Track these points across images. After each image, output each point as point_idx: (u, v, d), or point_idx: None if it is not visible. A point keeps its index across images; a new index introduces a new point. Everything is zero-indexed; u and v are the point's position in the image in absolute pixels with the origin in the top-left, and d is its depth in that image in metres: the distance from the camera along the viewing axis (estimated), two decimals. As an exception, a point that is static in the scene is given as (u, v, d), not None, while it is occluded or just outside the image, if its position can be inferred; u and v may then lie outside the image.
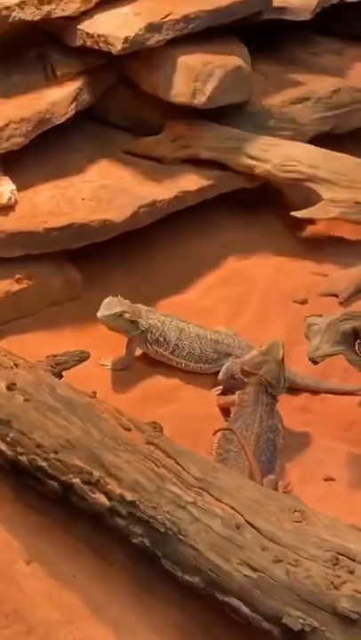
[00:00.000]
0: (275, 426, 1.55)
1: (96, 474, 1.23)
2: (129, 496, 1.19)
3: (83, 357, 1.65)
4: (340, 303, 1.74)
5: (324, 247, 1.86)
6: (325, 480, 1.49)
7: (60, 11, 1.65)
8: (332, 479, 1.48)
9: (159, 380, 1.73)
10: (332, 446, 1.57)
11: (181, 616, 1.24)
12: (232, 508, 1.15)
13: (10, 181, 1.82)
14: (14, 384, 1.39)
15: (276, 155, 1.78)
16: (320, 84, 1.94)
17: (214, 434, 1.59)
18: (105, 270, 1.84)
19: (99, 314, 1.67)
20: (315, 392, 1.69)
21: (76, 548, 1.33)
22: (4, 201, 1.78)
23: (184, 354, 1.75)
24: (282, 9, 1.87)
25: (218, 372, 1.74)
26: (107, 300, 1.68)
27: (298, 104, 1.89)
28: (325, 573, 1.02)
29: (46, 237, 1.82)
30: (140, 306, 1.74)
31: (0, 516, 1.40)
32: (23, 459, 1.31)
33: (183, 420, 1.59)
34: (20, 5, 1.70)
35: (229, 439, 1.48)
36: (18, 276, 1.84)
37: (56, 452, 1.28)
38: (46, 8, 1.68)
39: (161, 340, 1.74)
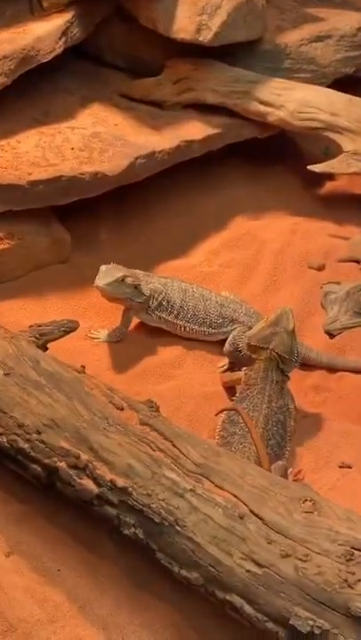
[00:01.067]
0: (285, 406, 1.53)
1: (84, 457, 1.24)
2: (121, 482, 1.19)
3: (71, 327, 1.65)
4: None
5: (345, 207, 1.82)
6: (341, 467, 1.49)
7: None
8: (348, 466, 1.48)
9: (158, 353, 1.74)
10: (350, 429, 1.57)
11: (179, 615, 1.25)
12: (235, 496, 1.14)
13: None
14: None
15: (291, 100, 1.74)
16: (343, 20, 1.90)
17: (217, 414, 1.58)
18: (96, 230, 1.84)
19: (98, 282, 1.66)
20: (330, 369, 1.66)
21: (61, 539, 1.33)
22: None
23: (188, 316, 1.75)
24: None
25: (222, 341, 1.74)
26: (103, 268, 1.68)
27: (317, 42, 1.86)
28: (338, 570, 1.01)
29: (30, 191, 1.81)
30: (136, 271, 1.73)
31: None
32: (3, 440, 1.31)
33: (183, 399, 1.57)
34: None
35: (234, 421, 1.48)
36: None
37: (39, 433, 1.28)
38: None
39: (164, 303, 1.74)
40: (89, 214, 1.79)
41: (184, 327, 1.73)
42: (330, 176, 1.84)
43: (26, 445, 1.27)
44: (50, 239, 1.83)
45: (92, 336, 1.77)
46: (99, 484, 1.20)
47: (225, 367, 1.74)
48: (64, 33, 1.79)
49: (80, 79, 1.87)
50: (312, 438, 1.57)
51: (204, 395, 1.63)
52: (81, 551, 1.31)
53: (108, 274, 1.60)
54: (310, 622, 1.00)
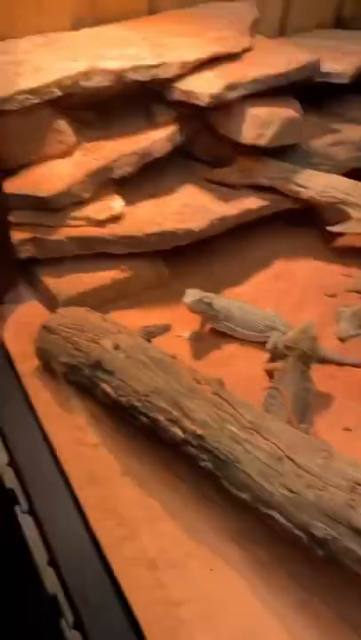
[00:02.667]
0: (308, 387, 1.50)
1: (175, 414, 1.25)
2: (199, 431, 1.21)
3: (166, 329, 1.73)
4: None
5: (352, 255, 1.86)
6: (344, 430, 1.45)
7: (162, 73, 1.64)
8: (349, 429, 1.44)
9: (222, 348, 1.68)
10: (351, 405, 1.52)
11: (235, 524, 1.21)
12: (275, 444, 1.14)
13: (120, 199, 1.77)
14: (118, 345, 1.39)
15: (317, 183, 1.80)
16: (353, 132, 1.92)
17: (264, 390, 1.51)
18: (185, 266, 1.80)
19: (185, 300, 1.65)
20: (340, 364, 1.61)
21: (158, 466, 1.32)
22: (116, 213, 1.73)
23: (243, 324, 1.68)
24: (328, 74, 1.83)
25: (264, 342, 1.67)
26: (189, 291, 1.64)
27: (336, 146, 1.88)
28: (345, 497, 1.02)
29: (145, 240, 1.79)
30: (210, 294, 1.67)
31: (102, 440, 1.38)
32: (123, 400, 1.33)
33: (239, 379, 1.51)
34: (134, 69, 1.62)
35: (273, 395, 1.43)
36: (122, 267, 1.79)
37: (147, 396, 1.29)
38: (153, 71, 1.64)
39: (228, 316, 1.69)
40: (181, 255, 1.79)
41: (241, 332, 1.68)
42: (341, 234, 1.86)
43: (138, 404, 1.29)
44: (155, 271, 1.82)
45: (181, 335, 1.73)
46: (184, 432, 1.23)
47: (267, 360, 1.65)
48: (170, 138, 1.80)
49: (179, 169, 1.88)
50: (324, 410, 1.51)
51: (253, 377, 1.58)
52: (171, 476, 1.29)
53: (191, 295, 1.58)
54: (325, 531, 1.01)
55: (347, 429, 1.41)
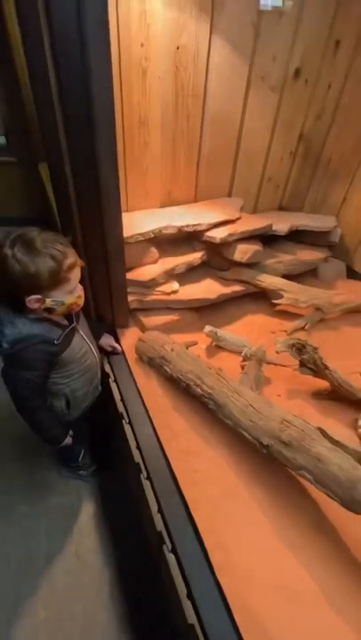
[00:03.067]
0: (260, 374, 1.38)
1: (198, 382, 1.22)
2: (209, 390, 1.18)
3: (195, 343, 1.59)
4: (289, 334, 1.67)
5: (283, 314, 1.81)
6: (277, 395, 1.35)
7: (199, 228, 1.63)
8: (279, 395, 1.36)
9: (220, 354, 1.55)
10: (280, 384, 1.38)
11: (225, 437, 1.16)
12: (245, 399, 1.10)
13: (177, 283, 1.67)
14: (173, 349, 1.34)
15: (268, 281, 1.76)
16: (286, 257, 1.88)
17: (240, 374, 1.39)
18: (206, 315, 1.71)
19: (205, 330, 1.52)
20: (276, 364, 1.49)
21: (189, 405, 1.27)
22: (175, 289, 1.65)
23: (231, 343, 1.55)
24: (275, 230, 1.81)
25: (240, 352, 1.50)
26: (207, 326, 1.53)
27: (277, 263, 1.84)
28: (278, 425, 0.99)
29: (187, 302, 1.65)
30: (217, 328, 1.55)
31: (163, 392, 1.31)
32: (174, 375, 1.29)
33: (228, 369, 1.24)
34: (187, 226, 1.60)
35: (244, 377, 1.33)
36: (176, 314, 1.66)
37: (186, 373, 1.25)
38: (195, 227, 1.62)
39: (227, 338, 1.55)
40: (204, 310, 1.75)
41: (230, 347, 1.55)
42: (278, 304, 1.80)
43: (181, 377, 1.26)
44: (191, 317, 1.71)
45: (201, 347, 1.55)
46: (202, 390, 1.20)
47: (241, 360, 1.50)
48: (201, 257, 1.71)
49: (204, 271, 1.82)
50: (267, 385, 1.42)
51: (235, 368, 1.48)
52: (195, 411, 1.24)
53: (207, 328, 1.48)
54: (267, 441, 0.97)
55: (278, 395, 1.35)
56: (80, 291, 0.95)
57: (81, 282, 1.32)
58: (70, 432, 1.18)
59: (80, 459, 1.48)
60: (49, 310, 0.91)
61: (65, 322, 1.01)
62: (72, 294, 0.91)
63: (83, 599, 1.24)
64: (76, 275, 0.90)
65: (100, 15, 0.76)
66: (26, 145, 2.99)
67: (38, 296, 0.86)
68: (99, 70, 0.83)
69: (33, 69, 0.87)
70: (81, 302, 0.97)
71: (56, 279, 0.85)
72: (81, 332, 1.07)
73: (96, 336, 1.31)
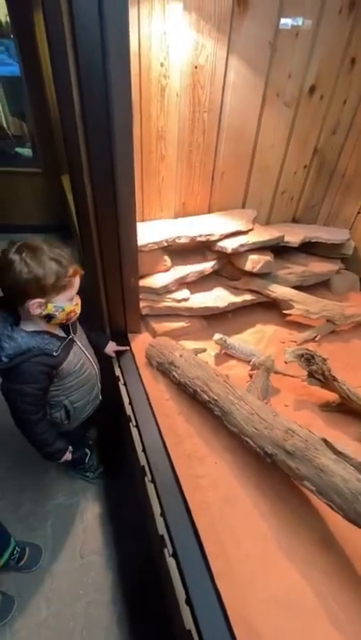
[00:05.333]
0: (268, 383, 1.38)
1: (205, 388, 1.22)
2: (215, 397, 1.18)
3: (204, 350, 1.60)
4: (299, 344, 1.64)
5: (293, 324, 1.78)
6: (284, 406, 1.32)
7: (212, 238, 1.63)
8: (287, 405, 1.35)
9: (228, 362, 1.55)
10: (288, 394, 1.38)
11: (228, 442, 1.17)
12: (250, 407, 1.10)
13: (188, 291, 1.67)
14: (182, 355, 1.36)
15: (279, 291, 1.75)
16: (297, 268, 1.85)
17: (247, 382, 1.42)
18: (216, 323, 1.71)
19: (214, 338, 1.53)
20: (284, 374, 1.47)
21: (195, 411, 1.27)
22: (185, 297, 1.65)
23: (243, 350, 1.54)
24: (287, 242, 1.78)
25: (249, 361, 1.53)
26: (216, 334, 1.54)
27: (289, 274, 1.82)
28: (282, 434, 0.99)
29: (197, 310, 1.64)
30: (226, 336, 1.57)
31: (170, 397, 1.30)
32: (182, 380, 1.30)
33: (236, 377, 1.39)
34: (200, 235, 1.58)
35: (252, 385, 1.33)
36: (186, 321, 1.66)
37: (193, 379, 1.26)
38: (207, 237, 1.61)
39: (236, 346, 1.54)
40: (214, 317, 1.74)
41: (239, 355, 1.54)
42: (289, 315, 1.77)
43: (189, 382, 1.26)
44: (201, 324, 1.71)
45: (210, 354, 1.53)
46: (208, 397, 1.20)
47: (250, 369, 1.51)
48: (213, 266, 1.73)
49: (215, 280, 1.81)
50: (275, 395, 1.41)
51: (243, 376, 1.48)
52: (203, 417, 1.24)
53: (217, 336, 1.49)
54: (272, 450, 0.97)
55: (286, 405, 1.32)
56: (77, 299, 0.96)
57: (96, 288, 1.38)
58: (70, 448, 1.16)
59: (86, 461, 1.50)
60: (49, 317, 0.90)
61: (62, 333, 1.01)
62: (71, 302, 0.92)
63: (85, 599, 1.25)
64: (77, 282, 0.92)
65: (120, 47, 0.82)
66: (50, 157, 3.12)
67: (41, 300, 0.86)
68: (119, 96, 0.89)
69: (59, 90, 0.93)
70: (78, 310, 0.97)
71: (60, 283, 0.86)
72: (79, 344, 1.06)
73: (101, 345, 1.33)
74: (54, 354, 0.93)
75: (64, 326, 1.00)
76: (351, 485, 0.78)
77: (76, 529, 1.43)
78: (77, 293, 0.95)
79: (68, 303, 0.91)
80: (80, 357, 1.06)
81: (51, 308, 0.88)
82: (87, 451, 1.51)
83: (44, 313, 0.89)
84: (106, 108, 0.90)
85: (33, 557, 1.31)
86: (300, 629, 0.76)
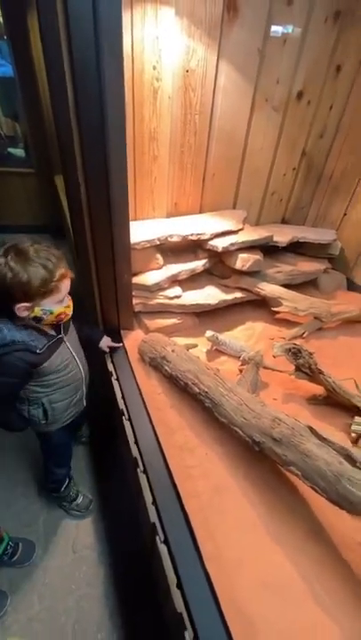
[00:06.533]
0: (257, 378, 1.39)
1: (196, 381, 1.23)
2: (206, 389, 1.19)
3: (195, 346, 1.61)
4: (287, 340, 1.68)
5: (282, 322, 1.81)
6: (273, 399, 1.35)
7: (203, 237, 1.64)
8: (275, 399, 1.37)
9: (220, 357, 1.56)
10: (276, 388, 1.39)
11: (218, 433, 1.18)
12: (240, 398, 1.12)
13: (180, 288, 1.68)
14: (174, 350, 1.36)
15: (268, 289, 1.77)
16: (286, 267, 1.88)
17: (237, 375, 1.42)
18: (207, 320, 1.74)
19: (206, 334, 1.55)
20: (272, 369, 1.47)
21: (186, 404, 1.28)
22: (177, 294, 1.65)
23: (233, 346, 1.55)
24: (276, 241, 1.83)
25: (239, 356, 1.53)
26: (208, 330, 1.57)
27: (277, 273, 1.85)
28: (269, 423, 1.00)
29: (189, 307, 1.65)
30: (217, 333, 1.58)
31: (163, 391, 1.32)
32: (173, 373, 1.31)
33: (227, 372, 1.27)
34: (191, 235, 1.61)
35: (241, 379, 1.35)
36: (178, 318, 1.66)
37: (184, 372, 1.27)
38: (199, 236, 1.63)
39: (227, 342, 1.55)
40: (205, 315, 1.74)
41: (229, 351, 1.56)
42: (278, 312, 1.79)
43: (180, 375, 1.27)
44: (192, 321, 1.72)
45: (202, 350, 1.56)
46: (199, 389, 1.21)
47: (240, 364, 1.52)
48: (204, 265, 1.75)
49: (206, 278, 1.82)
50: (264, 389, 1.44)
51: (233, 371, 1.49)
52: (193, 409, 1.26)
53: (208, 332, 1.52)
54: (260, 438, 0.99)
55: (275, 399, 1.36)
56: (69, 301, 0.93)
57: (90, 286, 1.40)
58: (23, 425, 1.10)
59: (62, 489, 1.35)
60: (37, 319, 0.89)
61: (52, 332, 0.98)
62: (61, 304, 0.90)
63: (77, 594, 1.25)
64: (66, 285, 0.89)
65: (114, 46, 0.83)
66: (43, 158, 3.12)
67: (28, 304, 0.84)
68: (112, 95, 0.90)
69: (54, 90, 0.94)
70: (69, 312, 0.95)
71: (47, 288, 0.84)
72: (67, 344, 1.03)
73: (95, 339, 1.33)
74: (37, 351, 0.91)
75: (55, 325, 0.98)
76: (333, 468, 0.80)
77: (68, 525, 1.43)
78: (69, 294, 0.93)
79: (56, 306, 0.89)
80: (65, 357, 1.03)
81: (38, 312, 0.87)
82: (65, 478, 1.37)
83: (32, 316, 0.87)
84: (100, 106, 0.91)
85: (26, 553, 1.31)
86: (287, 609, 0.77)
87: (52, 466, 1.30)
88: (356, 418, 1.21)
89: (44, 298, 0.86)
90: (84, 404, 1.21)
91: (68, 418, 1.16)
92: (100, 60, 0.84)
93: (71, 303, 0.95)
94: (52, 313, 0.89)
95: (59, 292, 0.87)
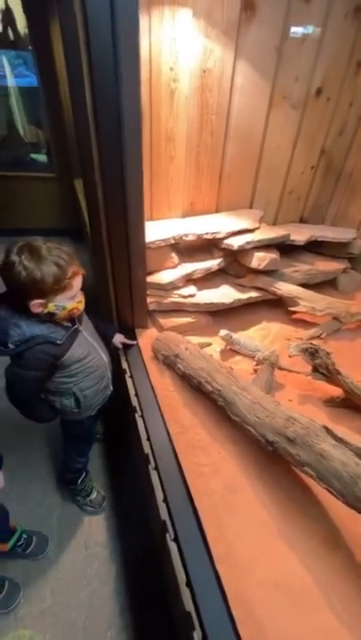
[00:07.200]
0: (272, 378, 1.39)
1: (209, 379, 1.23)
2: (219, 387, 1.19)
3: (209, 344, 1.63)
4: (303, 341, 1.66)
5: (299, 322, 1.79)
6: (288, 400, 1.34)
7: (218, 235, 1.64)
8: (291, 400, 1.35)
9: (234, 357, 1.55)
10: (292, 389, 1.38)
11: (231, 431, 1.18)
12: (253, 397, 1.11)
13: (195, 287, 1.68)
14: (187, 348, 1.37)
15: (285, 288, 1.75)
16: (303, 266, 1.86)
17: (251, 375, 1.42)
18: (221, 319, 1.73)
19: (220, 334, 1.55)
20: (289, 370, 1.45)
21: (199, 402, 1.28)
22: (192, 293, 1.66)
23: (248, 345, 1.55)
24: (293, 240, 1.80)
25: (254, 356, 1.52)
26: (222, 330, 1.56)
27: (295, 272, 1.83)
28: (283, 422, 0.99)
29: (203, 306, 1.66)
30: (231, 332, 1.57)
31: (176, 389, 1.33)
32: (187, 371, 1.31)
33: (241, 371, 1.27)
34: (206, 233, 1.62)
35: (256, 379, 1.34)
36: (193, 316, 1.66)
37: (198, 370, 1.27)
38: (214, 234, 1.63)
39: (242, 342, 1.55)
40: (220, 314, 1.73)
41: (244, 351, 1.54)
42: (295, 312, 1.77)
43: (193, 374, 1.27)
44: (207, 320, 1.73)
45: (215, 349, 1.58)
46: (212, 387, 1.21)
47: (255, 364, 1.50)
48: (219, 264, 1.74)
49: (221, 277, 1.81)
50: (279, 390, 1.42)
51: (248, 370, 1.49)
52: (206, 406, 1.26)
53: (223, 332, 1.51)
54: (273, 438, 0.98)
55: (290, 400, 1.35)
56: (81, 296, 0.97)
57: (105, 284, 1.43)
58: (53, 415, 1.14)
59: (79, 482, 1.38)
60: (50, 315, 0.92)
61: (68, 324, 1.01)
62: (73, 300, 0.93)
63: (89, 590, 1.26)
64: (78, 282, 0.92)
65: (131, 54, 0.86)
66: (64, 163, 3.22)
67: (42, 300, 0.88)
68: (129, 101, 0.92)
69: (74, 97, 0.98)
70: (81, 307, 0.98)
71: (59, 285, 0.87)
72: (84, 333, 1.06)
73: (109, 335, 1.33)
74: (58, 342, 0.94)
75: (69, 318, 1.01)
76: (350, 469, 0.78)
77: (81, 521, 1.45)
78: (81, 290, 0.96)
79: (69, 302, 0.92)
80: (86, 346, 1.07)
81: (51, 308, 0.90)
82: (83, 470, 1.40)
83: (45, 312, 0.90)
84: (117, 111, 0.94)
85: (40, 545, 1.33)
86: (298, 613, 0.76)
87: (75, 455, 1.32)
88: (376, 420, 1.17)
89: (57, 294, 0.89)
90: (111, 388, 1.24)
91: (98, 403, 1.20)
92: (118, 63, 0.86)
93: (83, 298, 0.98)
94: (64, 308, 0.92)
95: (71, 288, 0.90)
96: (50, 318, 0.94)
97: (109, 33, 0.84)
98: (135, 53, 0.87)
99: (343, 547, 0.87)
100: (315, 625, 0.74)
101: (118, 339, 1.41)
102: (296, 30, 1.42)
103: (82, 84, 0.92)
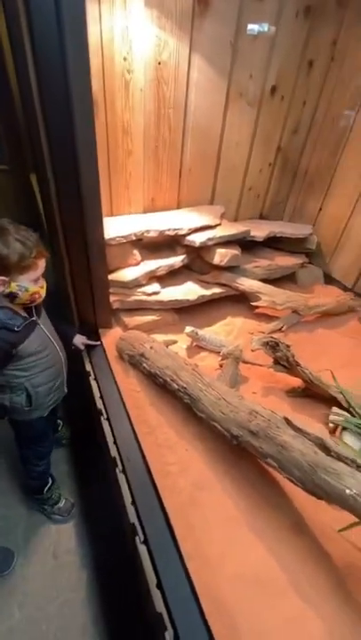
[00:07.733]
0: (236, 372, 1.39)
1: (174, 377, 1.22)
2: (184, 385, 1.18)
3: (174, 342, 1.61)
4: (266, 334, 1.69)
5: (261, 316, 1.82)
6: (252, 393, 1.35)
7: (180, 232, 1.63)
8: (255, 392, 1.37)
9: (199, 353, 1.55)
10: (256, 382, 1.39)
11: (197, 429, 1.17)
12: (218, 393, 1.11)
13: (158, 285, 1.65)
14: (152, 347, 1.35)
15: (247, 284, 1.77)
16: (264, 262, 1.90)
17: (216, 370, 1.44)
18: (186, 316, 1.71)
19: (185, 330, 1.54)
20: (252, 364, 1.47)
21: (165, 401, 1.26)
22: (156, 291, 1.63)
23: (213, 341, 1.55)
24: (253, 236, 1.82)
25: (219, 351, 1.53)
26: (187, 326, 1.55)
27: (255, 267, 1.86)
28: (246, 416, 1.00)
29: (167, 304, 1.64)
30: (197, 328, 1.57)
31: (141, 389, 1.30)
32: (152, 370, 1.29)
33: (207, 367, 1.32)
34: (168, 230, 1.58)
35: (221, 374, 1.34)
36: (157, 314, 1.64)
37: (163, 369, 1.25)
38: (176, 231, 1.60)
39: (207, 337, 1.56)
40: (184, 311, 1.72)
41: (209, 346, 1.54)
42: (257, 307, 1.79)
43: (159, 372, 1.25)
44: (172, 317, 1.70)
45: (181, 345, 1.57)
46: (178, 385, 1.20)
47: (220, 359, 1.51)
48: (182, 260, 1.71)
49: (185, 274, 1.80)
50: (244, 383, 1.42)
51: (213, 366, 1.48)
52: (172, 404, 1.24)
53: (188, 328, 1.50)
54: (237, 432, 0.99)
55: (254, 392, 1.36)
56: (43, 282, 0.96)
57: (63, 283, 1.37)
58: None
59: (45, 491, 1.35)
60: (12, 295, 0.91)
61: (25, 314, 1.00)
62: (36, 283, 0.93)
63: (59, 600, 1.23)
64: (42, 264, 0.93)
65: (78, 36, 0.80)
66: (19, 155, 3.03)
67: (5, 278, 0.88)
68: (77, 81, 0.86)
69: (20, 82, 0.92)
70: (43, 293, 0.98)
71: (24, 263, 0.87)
72: (42, 327, 1.05)
73: (69, 336, 1.31)
74: (16, 329, 0.93)
75: (28, 310, 1.00)
76: (309, 458, 0.80)
77: (49, 530, 1.40)
78: (43, 277, 0.96)
79: (32, 284, 0.92)
80: (43, 340, 1.05)
81: (14, 287, 0.89)
82: (48, 479, 1.37)
83: (7, 291, 0.89)
84: (65, 95, 0.87)
85: (4, 561, 1.27)
86: (270, 604, 0.77)
87: (33, 458, 1.28)
88: (334, 409, 1.22)
89: (22, 274, 0.89)
90: (65, 390, 1.23)
91: (51, 403, 1.16)
92: (63, 40, 0.80)
93: (45, 285, 0.97)
94: (27, 290, 0.91)
95: (36, 268, 0.90)
96: (11, 301, 0.93)
97: (53, 7, 0.78)
98: (81, 30, 0.81)
99: (309, 534, 0.90)
100: (286, 611, 0.76)
101: (79, 340, 1.38)
102: (252, 27, 1.43)
103: (25, 65, 0.87)
